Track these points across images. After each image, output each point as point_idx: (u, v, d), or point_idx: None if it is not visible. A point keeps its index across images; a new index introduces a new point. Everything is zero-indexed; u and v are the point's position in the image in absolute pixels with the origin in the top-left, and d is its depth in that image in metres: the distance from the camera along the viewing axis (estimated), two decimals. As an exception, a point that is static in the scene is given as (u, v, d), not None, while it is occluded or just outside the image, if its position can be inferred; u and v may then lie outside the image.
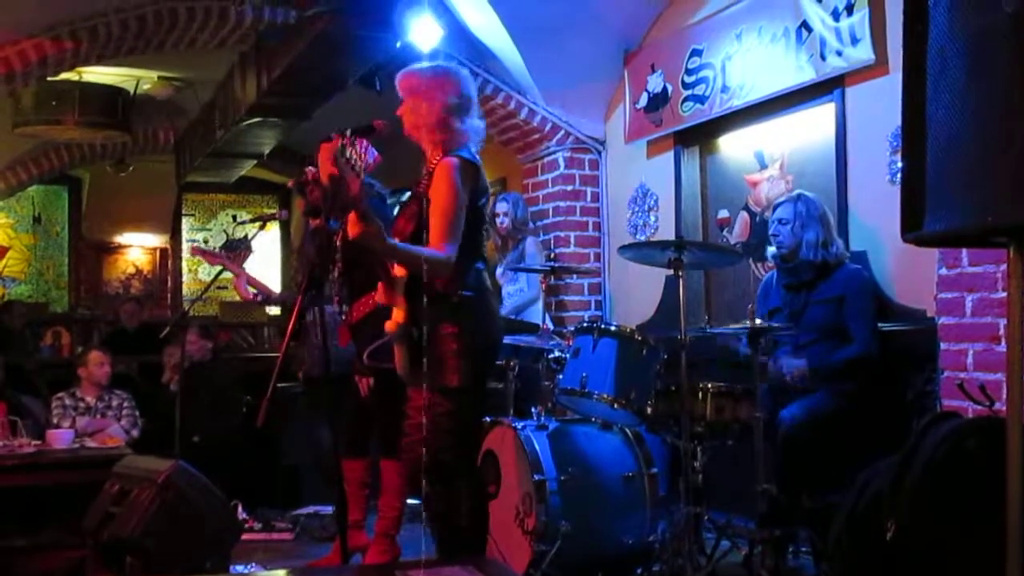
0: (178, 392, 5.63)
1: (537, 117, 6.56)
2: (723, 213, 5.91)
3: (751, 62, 5.26)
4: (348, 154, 3.02)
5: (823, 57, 4.79)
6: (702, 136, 5.99)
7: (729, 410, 4.12)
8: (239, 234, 11.79)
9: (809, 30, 4.86)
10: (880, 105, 4.56)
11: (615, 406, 4.12)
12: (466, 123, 3.47)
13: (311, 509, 5.90)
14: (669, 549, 4.11)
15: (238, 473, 5.94)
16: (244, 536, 4.82)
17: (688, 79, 5.75)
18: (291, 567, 4.88)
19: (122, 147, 9.38)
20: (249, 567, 4.72)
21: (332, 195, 3.09)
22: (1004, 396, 2.31)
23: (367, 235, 3.08)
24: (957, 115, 1.81)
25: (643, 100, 6.14)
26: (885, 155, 4.58)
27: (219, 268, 5.88)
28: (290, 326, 3.51)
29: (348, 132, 3.07)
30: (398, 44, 5.58)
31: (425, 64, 3.66)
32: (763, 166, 5.60)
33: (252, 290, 5.50)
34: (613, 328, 4.28)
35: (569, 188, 6.70)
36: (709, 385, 4.13)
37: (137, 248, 11.68)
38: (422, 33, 5.56)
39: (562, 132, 6.65)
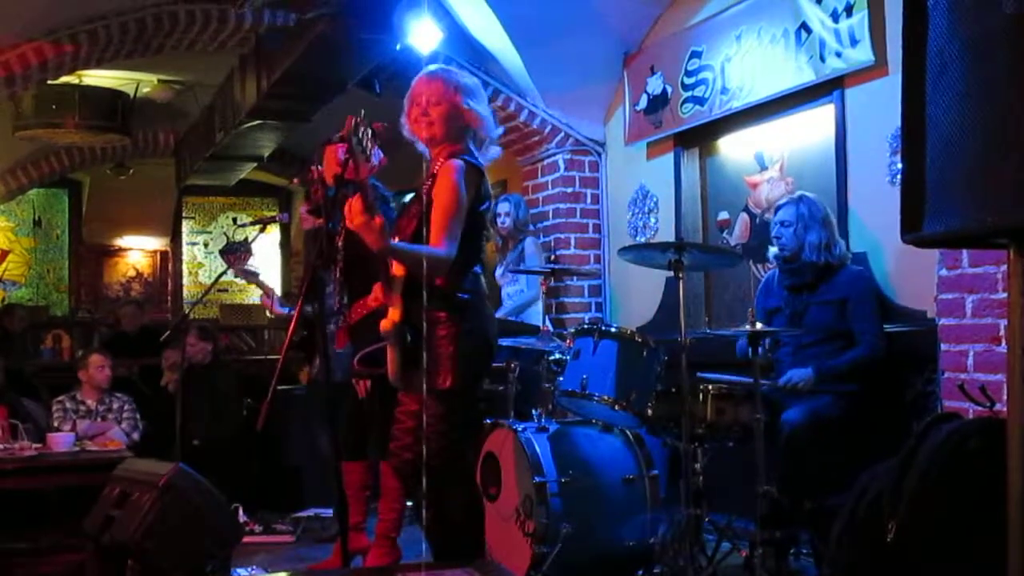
0: (178, 395, 5.62)
1: (537, 119, 6.57)
2: (723, 215, 5.91)
3: (751, 64, 5.26)
4: (361, 135, 2.99)
5: (823, 58, 4.79)
6: (702, 138, 5.99)
7: (730, 412, 4.11)
8: (239, 237, 11.76)
9: (808, 31, 4.86)
10: (880, 106, 4.57)
11: (616, 408, 4.12)
12: (485, 129, 3.45)
13: (312, 511, 5.90)
14: (670, 551, 4.11)
15: (239, 476, 5.95)
16: (245, 539, 4.82)
17: (688, 81, 5.76)
18: (292, 569, 4.88)
19: (122, 150, 9.40)
20: (250, 570, 4.72)
21: (341, 175, 3.04)
22: (1005, 397, 2.31)
23: (369, 227, 3.07)
24: (957, 116, 1.81)
25: (643, 102, 6.15)
26: (885, 156, 4.58)
27: (220, 271, 5.90)
28: (291, 328, 3.51)
29: (361, 113, 3.04)
30: (398, 47, 5.59)
31: (450, 67, 3.63)
32: (763, 167, 5.60)
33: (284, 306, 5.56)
34: (613, 330, 4.28)
35: (569, 190, 6.70)
36: (710, 387, 4.13)
37: (137, 251, 11.68)
38: (422, 36, 5.57)
39: (562, 134, 6.65)
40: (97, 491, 4.07)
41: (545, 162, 6.83)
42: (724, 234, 5.90)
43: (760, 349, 4.11)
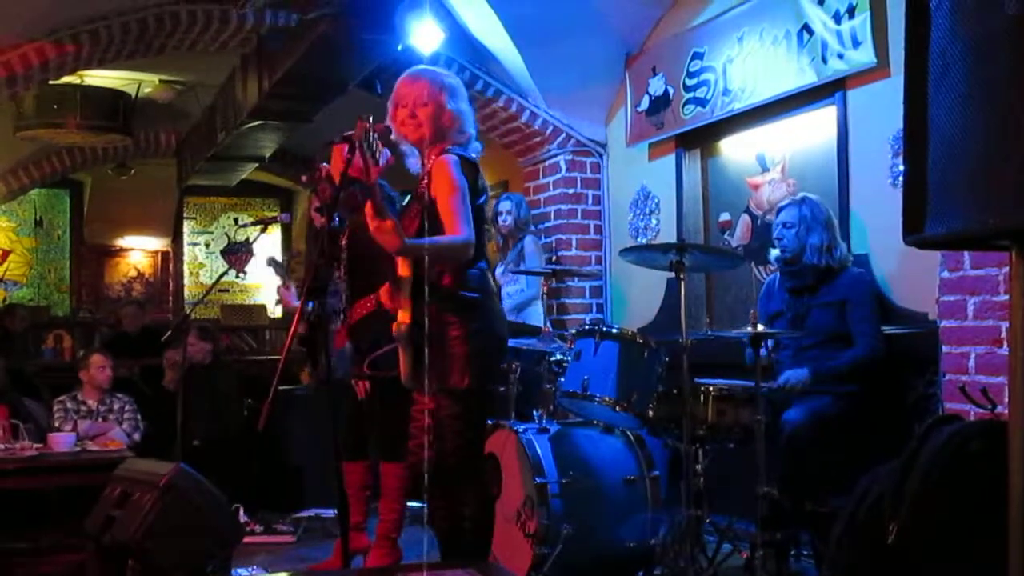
0: (179, 395, 5.62)
1: (538, 120, 6.57)
2: (724, 216, 5.91)
3: (752, 65, 5.26)
4: (371, 139, 2.99)
5: (824, 60, 4.79)
6: (703, 139, 5.99)
7: (731, 413, 4.11)
8: (240, 237, 11.79)
9: (810, 33, 4.86)
10: (881, 108, 4.56)
11: (617, 409, 4.12)
12: (467, 127, 3.47)
13: (312, 512, 5.90)
14: (671, 552, 4.11)
15: (240, 476, 5.95)
16: (246, 539, 4.82)
17: (689, 82, 5.76)
18: (292, 570, 4.88)
19: (123, 150, 9.40)
20: (251, 570, 4.72)
21: (345, 173, 3.05)
22: (1006, 399, 2.30)
23: (381, 230, 3.07)
24: (959, 118, 1.81)
25: (644, 103, 6.14)
26: (886, 158, 4.58)
27: (221, 271, 5.90)
28: (292, 329, 3.50)
29: (370, 118, 3.05)
30: (399, 47, 5.59)
31: (434, 68, 3.65)
32: (764, 169, 5.60)
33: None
34: (615, 331, 4.28)
35: (570, 191, 6.70)
36: (711, 388, 4.12)
37: (138, 251, 11.69)
38: (423, 36, 5.57)
39: (563, 135, 6.65)
40: (98, 491, 4.07)
41: (547, 163, 6.83)
42: (725, 235, 5.89)
43: (763, 351, 4.12)
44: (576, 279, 6.60)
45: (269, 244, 11.79)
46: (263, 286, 12.01)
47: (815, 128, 5.20)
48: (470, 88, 5.36)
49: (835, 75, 4.78)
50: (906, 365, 4.36)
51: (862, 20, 4.58)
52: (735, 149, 5.85)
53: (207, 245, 12.00)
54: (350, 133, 3.17)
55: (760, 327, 4.08)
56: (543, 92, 6.40)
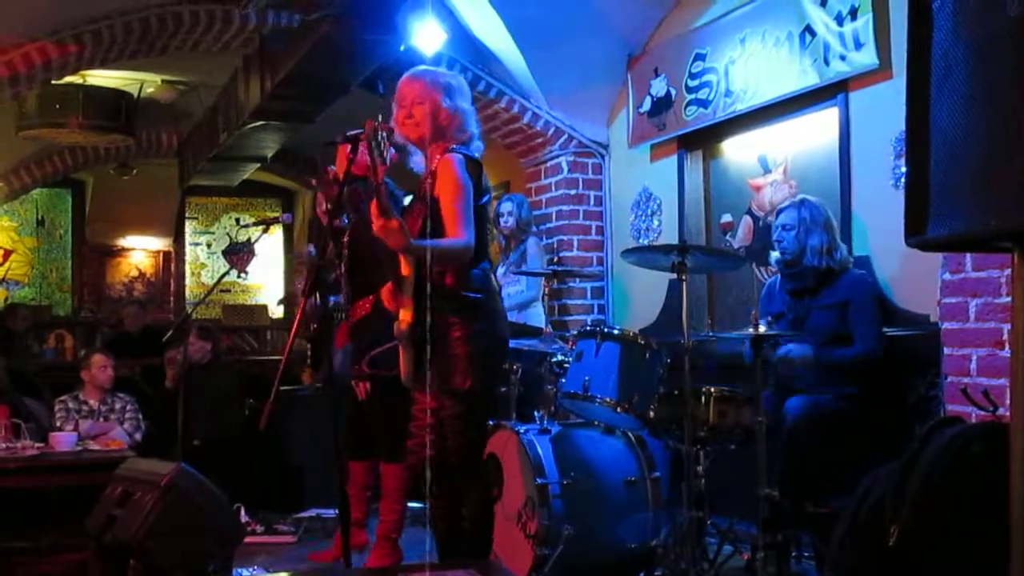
0: (180, 395, 5.63)
1: (540, 121, 6.57)
2: (726, 217, 5.91)
3: (755, 66, 5.25)
4: (379, 138, 3.01)
5: (827, 62, 4.79)
6: (705, 140, 5.99)
7: (732, 414, 4.11)
8: (242, 237, 11.79)
9: (813, 34, 4.86)
10: (884, 110, 4.56)
11: (618, 410, 4.12)
12: (468, 125, 3.47)
13: (313, 512, 5.90)
14: (672, 554, 4.11)
15: (241, 476, 5.95)
16: (246, 539, 4.83)
17: (692, 83, 5.76)
18: (293, 570, 4.88)
19: (125, 150, 9.39)
20: (251, 570, 4.72)
21: (348, 171, 3.06)
22: (1008, 401, 2.30)
23: (387, 229, 3.08)
24: (961, 119, 1.80)
25: (646, 104, 6.14)
26: (889, 159, 4.58)
27: (223, 271, 5.90)
28: (293, 329, 3.51)
29: (379, 117, 3.06)
30: (401, 48, 5.59)
31: (433, 68, 3.66)
32: (766, 170, 5.60)
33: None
34: (616, 332, 4.28)
35: (572, 192, 6.70)
36: (712, 389, 4.12)
37: (140, 251, 11.69)
38: (425, 37, 5.57)
39: (565, 136, 6.65)
40: (99, 491, 4.07)
41: (548, 164, 6.83)
42: (727, 237, 5.89)
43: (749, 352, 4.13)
44: (577, 280, 6.60)
45: (270, 244, 11.81)
46: (264, 286, 12.02)
47: (817, 129, 5.20)
48: (472, 89, 5.36)
49: (837, 77, 4.78)
50: (907, 367, 4.35)
51: (864, 22, 4.58)
52: (737, 150, 5.85)
53: (209, 245, 12.00)
54: (352, 133, 3.19)
55: (761, 328, 4.08)
56: (545, 93, 6.40)
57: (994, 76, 1.73)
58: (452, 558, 3.40)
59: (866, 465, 2.84)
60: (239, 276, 11.82)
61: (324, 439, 5.89)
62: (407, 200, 4.38)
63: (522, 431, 4.28)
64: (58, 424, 5.94)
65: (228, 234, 11.97)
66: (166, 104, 8.44)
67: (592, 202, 6.75)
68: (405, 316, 3.32)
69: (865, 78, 4.70)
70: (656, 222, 6.27)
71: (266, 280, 12.01)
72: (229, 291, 11.85)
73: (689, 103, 5.79)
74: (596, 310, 6.70)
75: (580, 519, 4.13)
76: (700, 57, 5.68)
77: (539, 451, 4.20)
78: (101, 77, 7.65)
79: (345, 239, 4.61)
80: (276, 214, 10.90)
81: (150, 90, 8.20)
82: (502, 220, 6.27)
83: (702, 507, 4.09)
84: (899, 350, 4.34)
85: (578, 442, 4.40)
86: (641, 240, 6.33)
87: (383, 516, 4.59)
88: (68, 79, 7.11)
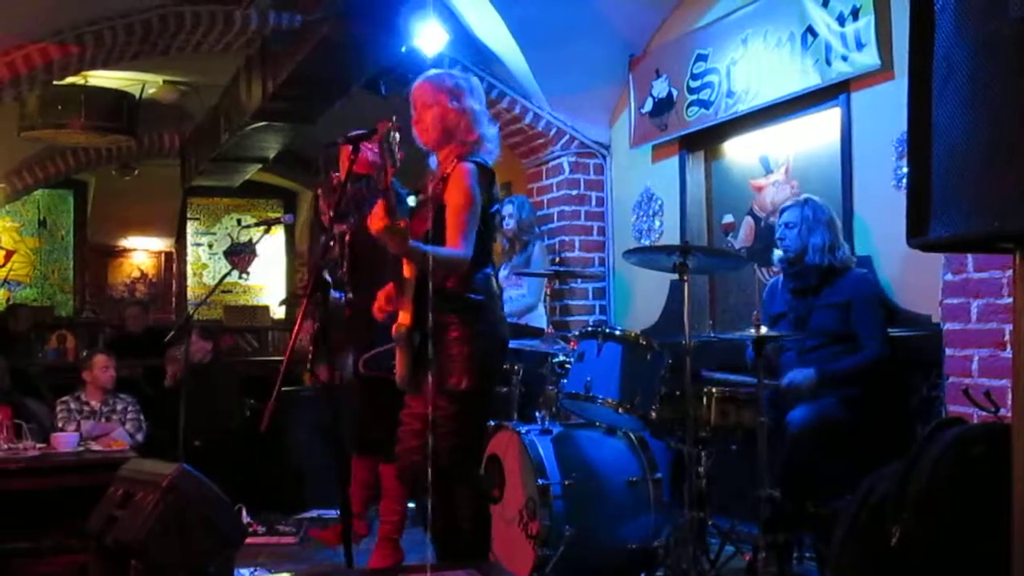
0: (181, 395, 5.63)
1: (542, 122, 6.57)
2: (728, 218, 5.91)
3: (756, 67, 5.25)
4: (391, 139, 3.01)
5: (828, 62, 4.78)
6: (707, 141, 5.99)
7: (733, 415, 4.11)
8: (244, 238, 11.80)
9: (815, 35, 4.86)
10: (886, 110, 4.56)
11: (619, 411, 4.12)
12: (476, 126, 3.46)
13: (315, 513, 5.90)
14: (673, 554, 4.11)
15: (242, 477, 5.94)
16: (248, 540, 4.82)
17: (693, 84, 5.75)
18: (295, 570, 4.88)
19: (127, 151, 9.40)
20: (253, 571, 4.72)
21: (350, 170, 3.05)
22: (1009, 402, 2.30)
23: (391, 231, 3.08)
24: (963, 120, 1.80)
25: (648, 105, 6.14)
26: (891, 160, 4.57)
27: (224, 272, 5.89)
28: (295, 330, 3.51)
29: (393, 118, 3.06)
30: (403, 49, 5.59)
31: (443, 71, 3.66)
32: (768, 171, 5.60)
33: None
34: (618, 332, 4.28)
35: (574, 193, 6.70)
36: (713, 390, 4.12)
37: (142, 252, 11.69)
38: (427, 37, 5.57)
39: (567, 137, 6.65)
40: (100, 491, 4.07)
41: (550, 164, 6.83)
42: (729, 237, 5.89)
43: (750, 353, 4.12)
44: (579, 280, 6.60)
45: (272, 245, 11.81)
46: (266, 287, 12.02)
47: (819, 130, 5.20)
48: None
49: (839, 77, 4.77)
50: (909, 368, 4.35)
51: (866, 22, 4.58)
52: (739, 151, 5.85)
53: (210, 246, 12.00)
54: (354, 134, 3.18)
55: (763, 329, 4.07)
56: (547, 94, 6.40)
57: (996, 77, 1.73)
58: (448, 559, 3.40)
59: (868, 466, 2.84)
60: (240, 277, 11.82)
61: (325, 440, 5.90)
62: (411, 200, 4.37)
63: (523, 432, 4.28)
64: (60, 425, 5.95)
65: (230, 235, 11.97)
66: (168, 105, 8.45)
67: (594, 203, 6.75)
68: (404, 318, 3.33)
69: (867, 79, 4.70)
70: (658, 223, 6.27)
71: (267, 281, 12.01)
72: (231, 292, 11.85)
73: (691, 104, 5.78)
74: (598, 311, 6.70)
75: (581, 520, 4.13)
76: (702, 58, 5.68)
77: (540, 452, 4.20)
78: (103, 78, 7.66)
79: (347, 239, 4.61)
80: (278, 215, 10.92)
81: (152, 91, 8.20)
82: (503, 222, 6.27)
83: (703, 508, 4.09)
84: (901, 351, 4.34)
85: (580, 443, 4.40)
86: (643, 241, 6.33)
87: (384, 517, 4.58)
88: (70, 80, 7.12)
